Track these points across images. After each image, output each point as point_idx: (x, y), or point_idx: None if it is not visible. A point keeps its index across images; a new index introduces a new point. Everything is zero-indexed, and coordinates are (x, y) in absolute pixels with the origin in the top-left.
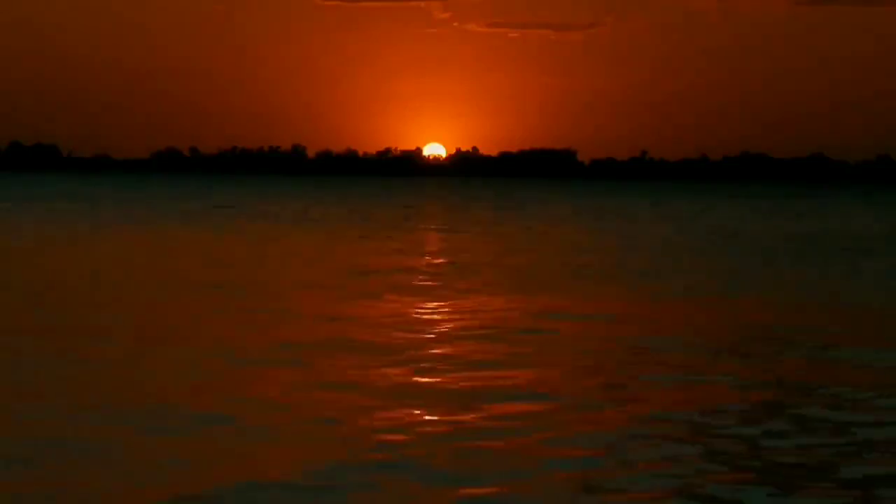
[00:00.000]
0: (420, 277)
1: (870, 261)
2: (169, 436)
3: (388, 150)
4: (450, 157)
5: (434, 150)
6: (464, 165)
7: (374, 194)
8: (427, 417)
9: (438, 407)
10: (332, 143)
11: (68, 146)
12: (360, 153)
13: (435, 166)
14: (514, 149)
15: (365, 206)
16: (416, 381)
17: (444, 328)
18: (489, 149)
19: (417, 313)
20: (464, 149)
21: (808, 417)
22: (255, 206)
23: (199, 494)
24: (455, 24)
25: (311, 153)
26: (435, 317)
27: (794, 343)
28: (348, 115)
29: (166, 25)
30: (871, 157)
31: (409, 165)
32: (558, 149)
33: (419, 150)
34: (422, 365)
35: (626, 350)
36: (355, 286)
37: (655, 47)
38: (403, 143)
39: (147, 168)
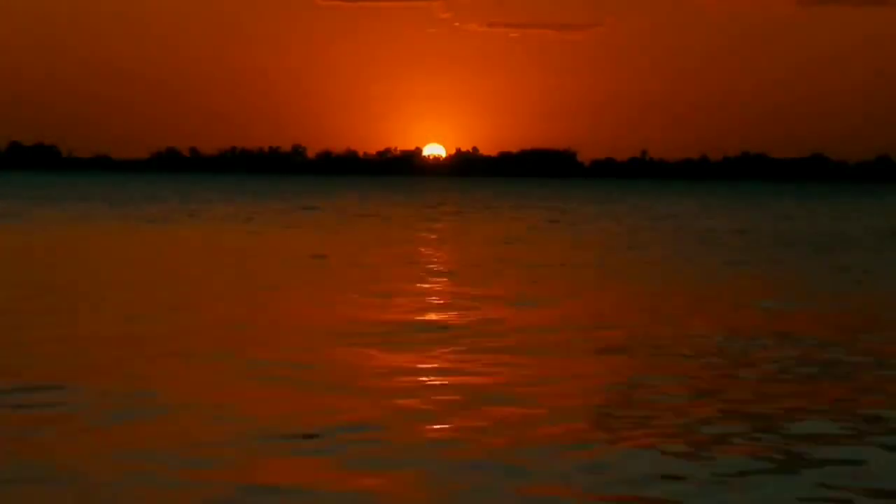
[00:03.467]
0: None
1: None
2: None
3: (387, 150)
4: (450, 157)
5: (434, 150)
6: (464, 165)
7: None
8: None
9: None
10: (332, 143)
11: (68, 146)
12: (360, 153)
13: (435, 166)
14: (514, 149)
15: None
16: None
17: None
18: (489, 149)
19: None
20: (464, 149)
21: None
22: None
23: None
24: (455, 24)
25: (311, 153)
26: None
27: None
28: (348, 115)
29: (166, 26)
30: (871, 157)
31: (409, 165)
32: (558, 149)
33: (419, 150)
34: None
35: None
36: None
37: (656, 47)
38: (403, 143)
39: (147, 168)
